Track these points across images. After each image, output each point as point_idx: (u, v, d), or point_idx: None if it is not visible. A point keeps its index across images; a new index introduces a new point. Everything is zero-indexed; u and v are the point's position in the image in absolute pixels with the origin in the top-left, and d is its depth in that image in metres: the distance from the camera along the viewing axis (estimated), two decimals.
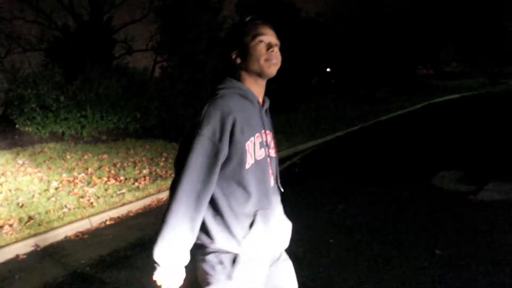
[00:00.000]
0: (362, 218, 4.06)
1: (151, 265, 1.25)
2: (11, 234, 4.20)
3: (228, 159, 1.25)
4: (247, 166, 1.27)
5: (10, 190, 5.34)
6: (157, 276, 1.25)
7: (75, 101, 8.36)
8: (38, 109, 7.93)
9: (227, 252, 1.31)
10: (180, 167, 1.22)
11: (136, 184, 5.87)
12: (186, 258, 1.27)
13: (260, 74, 1.32)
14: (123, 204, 5.16)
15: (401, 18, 24.32)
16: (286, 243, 1.47)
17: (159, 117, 9.88)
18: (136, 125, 9.29)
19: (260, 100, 1.39)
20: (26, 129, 7.96)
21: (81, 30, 17.39)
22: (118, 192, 5.52)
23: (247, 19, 1.37)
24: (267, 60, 1.29)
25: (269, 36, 1.31)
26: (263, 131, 1.35)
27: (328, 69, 27.05)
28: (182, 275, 1.29)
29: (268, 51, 1.29)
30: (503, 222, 3.63)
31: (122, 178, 6.10)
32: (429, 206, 4.26)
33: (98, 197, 5.30)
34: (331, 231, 3.76)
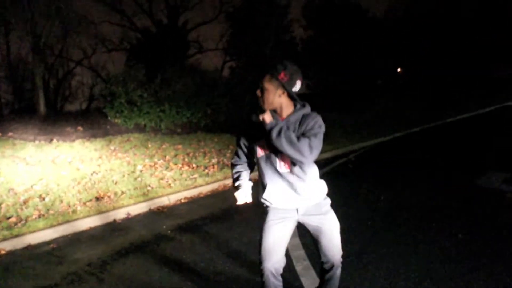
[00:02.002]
0: (402, 208, 4.51)
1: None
2: (110, 203, 5.26)
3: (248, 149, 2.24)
4: (258, 155, 2.17)
5: (106, 170, 6.50)
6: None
7: (155, 98, 9.55)
8: (126, 104, 9.21)
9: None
10: None
11: (206, 171, 6.76)
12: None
13: None
14: (195, 187, 6.07)
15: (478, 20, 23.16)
16: (296, 203, 2.16)
17: (227, 113, 10.81)
18: (207, 120, 10.31)
19: (283, 117, 2.11)
20: (116, 120, 9.28)
21: (159, 33, 19.06)
22: (191, 176, 6.45)
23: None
24: None
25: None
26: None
27: (398, 70, 26.48)
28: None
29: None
30: None
31: (194, 165, 7.05)
32: (466, 199, 4.63)
33: (175, 180, 6.27)
34: (370, 216, 4.27)
